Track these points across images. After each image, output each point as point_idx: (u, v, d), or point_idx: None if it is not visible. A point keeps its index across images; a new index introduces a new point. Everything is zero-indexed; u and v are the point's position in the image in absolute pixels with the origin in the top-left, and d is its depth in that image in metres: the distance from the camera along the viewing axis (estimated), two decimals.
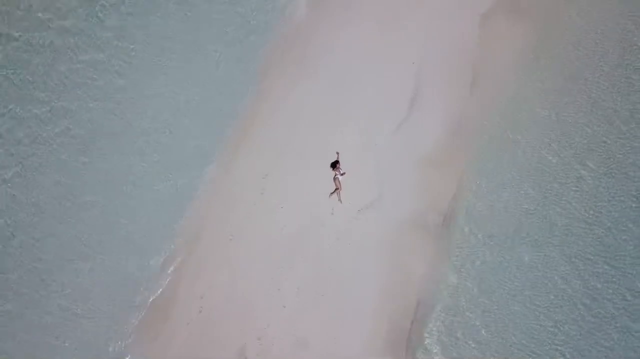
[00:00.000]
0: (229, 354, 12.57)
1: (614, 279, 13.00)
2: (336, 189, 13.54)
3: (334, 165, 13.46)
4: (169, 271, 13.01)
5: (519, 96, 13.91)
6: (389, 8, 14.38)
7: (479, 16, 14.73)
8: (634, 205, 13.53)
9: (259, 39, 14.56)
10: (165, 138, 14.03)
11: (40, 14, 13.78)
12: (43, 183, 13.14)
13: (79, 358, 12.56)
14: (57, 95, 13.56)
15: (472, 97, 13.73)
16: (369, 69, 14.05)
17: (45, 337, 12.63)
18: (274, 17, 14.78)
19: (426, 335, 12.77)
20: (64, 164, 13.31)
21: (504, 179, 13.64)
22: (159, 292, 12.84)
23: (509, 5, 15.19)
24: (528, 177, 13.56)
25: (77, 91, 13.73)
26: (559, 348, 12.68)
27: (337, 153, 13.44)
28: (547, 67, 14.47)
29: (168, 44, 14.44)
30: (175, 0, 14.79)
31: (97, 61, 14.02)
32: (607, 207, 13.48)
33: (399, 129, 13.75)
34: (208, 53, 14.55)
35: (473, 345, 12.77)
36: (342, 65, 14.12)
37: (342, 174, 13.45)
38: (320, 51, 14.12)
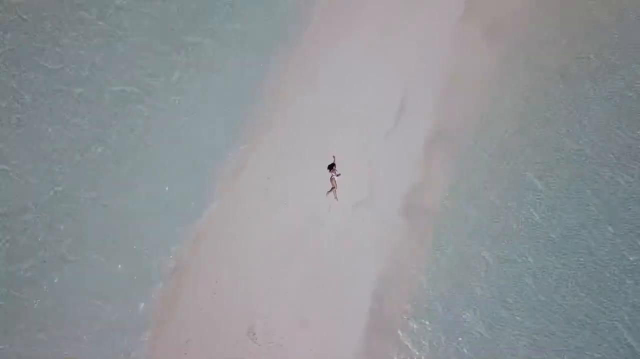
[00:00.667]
0: (240, 331, 14.45)
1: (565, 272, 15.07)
2: (332, 188, 15.45)
3: (331, 167, 15.35)
4: (186, 260, 14.83)
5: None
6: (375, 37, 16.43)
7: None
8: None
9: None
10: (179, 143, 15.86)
11: None
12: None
13: (100, 341, 14.31)
14: None
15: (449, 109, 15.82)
16: (362, 85, 16.03)
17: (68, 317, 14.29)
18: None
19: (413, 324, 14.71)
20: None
21: (477, 183, 15.72)
22: (176, 278, 14.62)
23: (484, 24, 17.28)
24: (499, 181, 15.66)
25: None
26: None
27: (333, 156, 15.32)
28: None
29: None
30: None
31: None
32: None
33: (387, 136, 15.74)
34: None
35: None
36: (338, 82, 16.04)
37: (337, 175, 15.34)
38: (318, 77, 16.09)
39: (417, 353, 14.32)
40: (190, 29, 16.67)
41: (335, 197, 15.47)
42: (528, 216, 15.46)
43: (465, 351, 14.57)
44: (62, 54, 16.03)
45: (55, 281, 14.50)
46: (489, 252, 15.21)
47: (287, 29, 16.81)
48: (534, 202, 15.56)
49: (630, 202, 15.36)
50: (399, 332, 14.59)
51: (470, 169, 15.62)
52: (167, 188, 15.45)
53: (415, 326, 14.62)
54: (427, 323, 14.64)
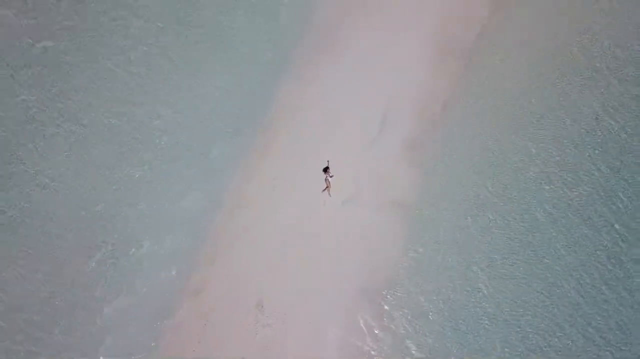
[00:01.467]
0: (250, 303, 17.69)
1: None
2: (326, 187, 18.81)
3: (325, 170, 18.70)
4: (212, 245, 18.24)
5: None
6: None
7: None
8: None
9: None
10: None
11: None
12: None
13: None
14: None
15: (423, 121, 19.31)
16: (352, 102, 19.58)
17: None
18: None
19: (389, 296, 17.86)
20: None
21: (446, 183, 19.08)
22: (204, 258, 18.04)
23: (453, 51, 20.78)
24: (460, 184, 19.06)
25: None
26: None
27: (327, 161, 18.68)
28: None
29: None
30: None
31: None
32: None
33: (372, 144, 19.21)
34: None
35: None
36: (332, 99, 19.60)
37: (331, 177, 18.69)
38: (315, 95, 19.70)
39: (393, 326, 17.46)
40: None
41: (329, 194, 18.83)
42: (496, 213, 18.67)
43: (437, 322, 17.71)
44: None
45: None
46: (455, 244, 18.44)
47: (289, 55, 20.48)
48: (502, 200, 18.80)
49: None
50: (383, 304, 17.79)
51: (439, 171, 19.01)
52: (194, 192, 18.92)
53: (393, 300, 17.82)
54: (405, 296, 17.83)
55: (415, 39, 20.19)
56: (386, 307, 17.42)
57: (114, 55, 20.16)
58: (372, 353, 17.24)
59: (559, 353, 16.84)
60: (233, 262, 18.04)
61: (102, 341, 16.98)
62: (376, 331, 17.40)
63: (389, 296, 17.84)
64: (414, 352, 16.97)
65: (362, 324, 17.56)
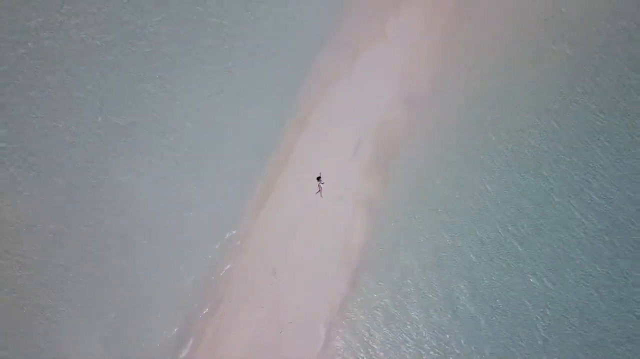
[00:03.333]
0: (266, 270, 25.44)
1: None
2: (319, 190, 26.89)
3: (318, 178, 26.82)
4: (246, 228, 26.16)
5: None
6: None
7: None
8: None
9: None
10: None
11: None
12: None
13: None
14: None
15: (385, 145, 27.80)
16: (336, 131, 27.90)
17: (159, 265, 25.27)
18: None
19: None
20: None
21: (406, 186, 27.33)
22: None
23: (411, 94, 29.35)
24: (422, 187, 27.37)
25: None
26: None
27: (320, 172, 26.81)
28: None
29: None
30: None
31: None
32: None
33: (350, 160, 27.48)
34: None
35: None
36: (323, 128, 27.96)
37: (322, 183, 26.82)
38: (310, 124, 28.07)
39: (363, 286, 25.38)
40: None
41: (321, 196, 26.93)
42: (455, 212, 26.82)
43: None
44: None
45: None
46: (412, 231, 26.55)
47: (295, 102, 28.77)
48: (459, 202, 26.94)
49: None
50: (366, 273, 25.69)
51: (399, 180, 27.26)
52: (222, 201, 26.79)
53: (368, 274, 25.73)
54: (382, 268, 25.77)
55: (379, 96, 28.78)
56: (360, 275, 25.40)
57: None
58: (347, 304, 25.07)
59: None
60: (256, 240, 25.91)
61: None
62: (352, 291, 25.33)
63: (362, 266, 25.83)
64: (375, 296, 24.93)
65: (343, 285, 25.48)
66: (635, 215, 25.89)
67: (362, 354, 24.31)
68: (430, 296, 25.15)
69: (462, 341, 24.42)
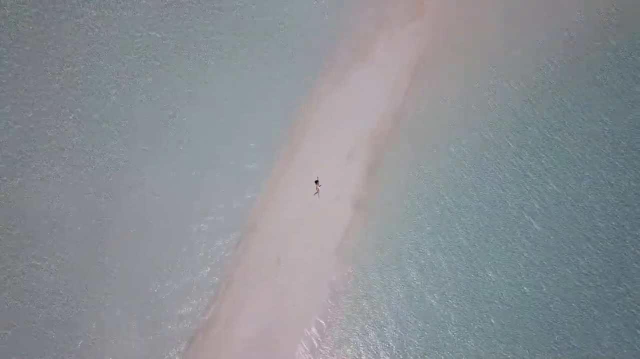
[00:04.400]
0: (272, 259, 30.03)
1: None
2: (317, 192, 31.50)
3: (316, 182, 31.41)
4: (252, 221, 30.61)
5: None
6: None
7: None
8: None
9: None
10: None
11: None
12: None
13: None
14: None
15: (374, 154, 32.55)
16: (332, 142, 32.44)
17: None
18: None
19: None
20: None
21: (392, 189, 32.18)
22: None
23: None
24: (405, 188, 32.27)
25: None
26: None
27: (317, 177, 31.38)
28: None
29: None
30: None
31: None
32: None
33: (344, 166, 32.12)
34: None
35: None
36: (320, 141, 32.45)
37: (320, 186, 31.44)
38: (305, 137, 32.56)
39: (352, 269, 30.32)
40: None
41: (319, 197, 31.56)
42: (438, 213, 31.82)
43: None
44: None
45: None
46: (405, 228, 31.48)
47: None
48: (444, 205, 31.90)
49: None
50: (348, 262, 30.56)
51: (386, 183, 32.04)
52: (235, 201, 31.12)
53: (358, 266, 30.60)
54: (369, 261, 30.68)
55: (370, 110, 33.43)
56: (351, 266, 30.32)
57: None
58: (341, 286, 29.99)
59: None
60: (263, 233, 30.43)
61: None
62: (343, 279, 30.23)
63: (353, 258, 30.69)
64: (362, 284, 29.91)
65: (334, 271, 30.33)
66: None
67: (353, 329, 29.38)
68: (409, 283, 30.26)
69: (421, 324, 29.65)
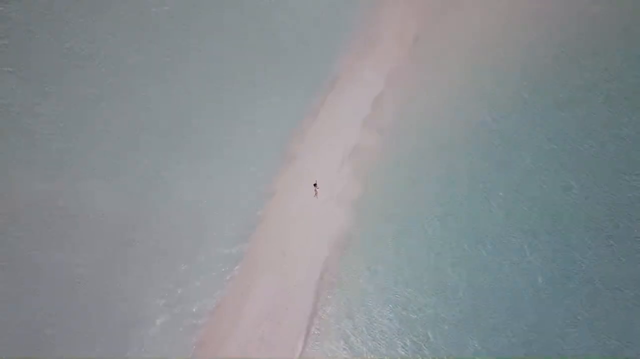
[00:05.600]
0: (277, 252, 35.68)
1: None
2: (315, 193, 37.40)
3: (315, 185, 37.37)
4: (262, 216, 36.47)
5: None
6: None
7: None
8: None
9: None
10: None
11: None
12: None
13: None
14: None
15: (361, 162, 38.50)
16: (327, 152, 38.56)
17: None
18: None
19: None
20: None
21: (377, 189, 37.92)
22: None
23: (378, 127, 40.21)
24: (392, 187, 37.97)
25: None
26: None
27: (316, 180, 37.35)
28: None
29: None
30: None
31: None
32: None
33: (337, 172, 38.05)
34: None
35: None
36: (314, 152, 38.63)
37: (317, 188, 37.38)
38: (303, 146, 38.76)
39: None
40: None
41: (317, 197, 37.43)
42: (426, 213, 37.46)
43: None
44: None
45: None
46: (389, 224, 37.08)
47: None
48: (431, 202, 37.61)
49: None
50: (348, 256, 36.07)
51: (374, 186, 37.82)
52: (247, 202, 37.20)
53: (348, 256, 36.10)
54: (359, 252, 36.20)
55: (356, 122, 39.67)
56: (343, 256, 35.85)
57: None
58: (333, 271, 35.40)
59: None
60: (268, 230, 36.26)
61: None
62: (337, 267, 35.68)
63: (345, 249, 36.21)
64: (352, 271, 35.34)
65: (328, 259, 35.82)
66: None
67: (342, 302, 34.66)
68: (388, 264, 35.60)
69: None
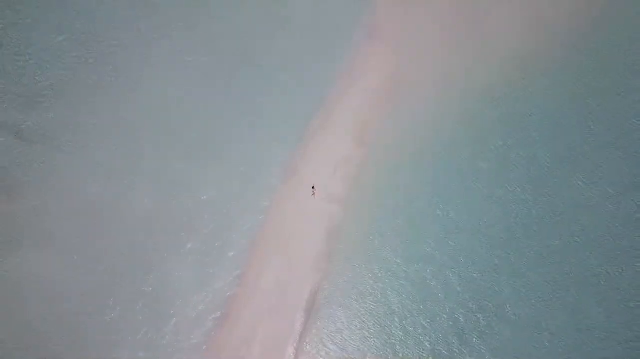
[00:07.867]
0: (283, 239, 43.98)
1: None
2: (313, 194, 45.93)
3: (313, 187, 45.93)
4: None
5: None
6: None
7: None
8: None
9: None
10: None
11: None
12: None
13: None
14: None
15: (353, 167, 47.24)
16: (321, 165, 47.30)
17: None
18: None
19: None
20: None
21: (370, 187, 46.52)
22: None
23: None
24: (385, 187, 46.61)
25: None
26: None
27: (314, 184, 45.92)
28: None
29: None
30: None
31: None
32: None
33: (331, 177, 46.70)
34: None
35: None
36: (310, 167, 47.40)
37: (315, 190, 45.93)
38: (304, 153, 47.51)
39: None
40: None
41: (315, 198, 45.97)
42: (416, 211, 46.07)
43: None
44: None
45: None
46: (383, 224, 45.62)
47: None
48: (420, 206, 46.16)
49: None
50: (340, 248, 44.44)
51: (366, 187, 46.40)
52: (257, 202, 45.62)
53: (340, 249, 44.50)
54: (349, 246, 44.65)
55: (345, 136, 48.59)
56: (336, 248, 44.25)
57: None
58: (327, 255, 43.70)
59: None
60: (271, 228, 44.60)
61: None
62: (330, 258, 43.99)
63: (338, 243, 44.66)
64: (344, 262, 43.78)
65: (324, 247, 44.15)
66: None
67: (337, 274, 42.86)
68: (375, 250, 43.99)
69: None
